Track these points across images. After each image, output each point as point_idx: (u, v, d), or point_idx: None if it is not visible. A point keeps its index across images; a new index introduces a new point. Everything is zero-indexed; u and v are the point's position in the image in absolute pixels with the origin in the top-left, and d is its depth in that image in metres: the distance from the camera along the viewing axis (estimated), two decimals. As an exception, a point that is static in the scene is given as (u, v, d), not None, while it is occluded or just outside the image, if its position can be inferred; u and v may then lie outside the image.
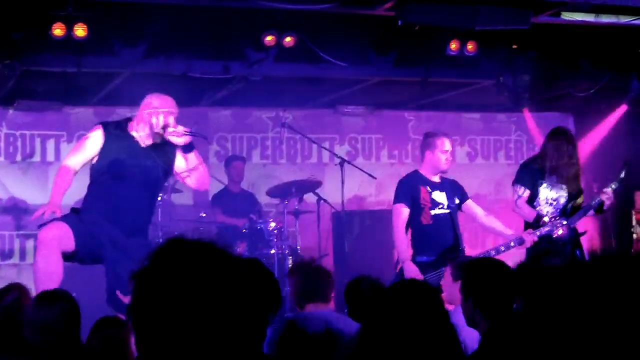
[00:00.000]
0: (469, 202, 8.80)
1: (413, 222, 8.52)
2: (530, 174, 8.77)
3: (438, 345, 3.22)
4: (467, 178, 13.12)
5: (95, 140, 7.59)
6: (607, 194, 8.57)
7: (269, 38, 9.45)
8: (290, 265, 10.46)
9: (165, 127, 7.47)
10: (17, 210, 11.25)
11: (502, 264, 4.87)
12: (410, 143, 13.09)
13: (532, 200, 8.74)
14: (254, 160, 12.42)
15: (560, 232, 8.44)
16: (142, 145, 7.58)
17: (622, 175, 8.66)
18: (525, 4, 8.78)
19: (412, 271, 8.17)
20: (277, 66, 10.18)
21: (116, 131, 7.64)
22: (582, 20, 9.22)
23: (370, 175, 11.10)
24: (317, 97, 12.03)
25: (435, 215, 8.51)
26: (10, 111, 11.46)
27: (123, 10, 8.66)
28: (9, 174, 11.53)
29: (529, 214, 8.68)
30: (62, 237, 7.14)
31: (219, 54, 10.03)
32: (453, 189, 8.77)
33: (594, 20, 9.25)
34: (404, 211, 8.46)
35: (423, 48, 10.18)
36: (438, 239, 8.48)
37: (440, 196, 8.58)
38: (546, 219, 8.51)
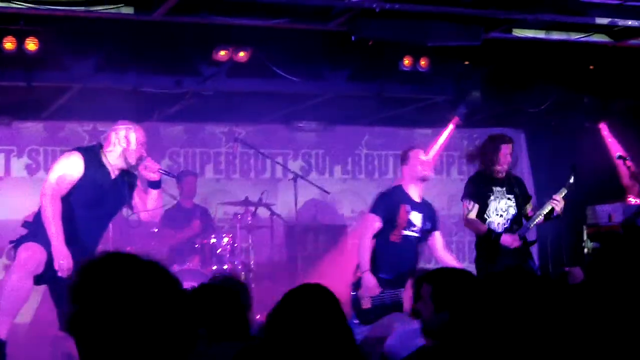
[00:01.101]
0: (436, 233, 8.73)
1: (381, 238, 8.46)
2: (477, 188, 8.81)
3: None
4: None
5: (76, 170, 7.53)
6: (557, 200, 8.62)
7: (222, 53, 9.44)
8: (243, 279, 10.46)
9: (139, 159, 7.57)
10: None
11: (466, 273, 4.85)
12: (364, 158, 13.12)
13: (482, 213, 8.78)
14: (206, 175, 12.38)
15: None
16: (113, 176, 7.64)
17: (571, 180, 8.72)
18: (477, 20, 8.84)
19: (371, 283, 8.18)
20: (230, 81, 10.18)
21: (94, 161, 7.61)
22: (533, 37, 9.29)
23: (323, 190, 11.10)
24: (271, 112, 12.01)
25: (405, 235, 8.47)
26: (-41, 125, 11.33)
27: (74, 24, 8.58)
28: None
29: (480, 227, 8.73)
30: (38, 261, 7.21)
31: (171, 69, 9.99)
32: (429, 213, 8.70)
33: (545, 36, 9.33)
34: (376, 224, 8.42)
35: (376, 64, 10.22)
36: (401, 259, 8.43)
37: (416, 218, 8.51)
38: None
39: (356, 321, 8.17)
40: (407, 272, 8.25)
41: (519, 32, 9.19)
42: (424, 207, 8.64)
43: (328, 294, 3.62)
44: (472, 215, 8.80)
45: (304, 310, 3.40)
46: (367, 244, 8.38)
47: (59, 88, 10.17)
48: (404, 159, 8.67)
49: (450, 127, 12.06)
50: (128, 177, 7.78)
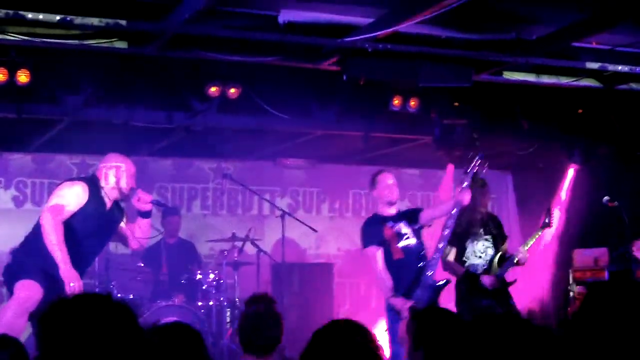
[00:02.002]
0: (422, 212, 8.77)
1: (387, 258, 8.47)
2: (455, 231, 8.82)
3: None
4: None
5: (80, 199, 7.68)
6: (520, 252, 8.71)
7: (213, 89, 9.46)
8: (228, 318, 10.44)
9: (131, 191, 7.82)
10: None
11: (454, 315, 4.87)
12: (352, 197, 13.13)
13: (461, 255, 8.81)
14: (194, 210, 12.37)
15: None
16: (108, 207, 7.83)
17: (547, 220, 8.80)
18: (468, 62, 8.89)
19: (399, 302, 8.16)
20: (221, 117, 10.17)
21: (95, 192, 7.79)
22: (523, 80, 9.36)
23: (310, 227, 11.09)
24: (259, 149, 12.02)
25: (404, 247, 8.51)
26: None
27: (66, 57, 8.60)
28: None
29: (457, 270, 8.78)
30: (36, 300, 7.32)
31: (162, 104, 9.99)
32: (409, 215, 8.80)
33: (535, 80, 9.40)
34: (378, 253, 8.44)
35: (365, 103, 10.25)
36: (408, 270, 8.42)
37: (402, 227, 8.60)
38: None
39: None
40: (412, 279, 8.32)
41: (509, 75, 9.26)
42: (402, 215, 8.75)
43: (361, 328, 3.57)
44: (451, 257, 8.84)
45: (340, 346, 3.31)
46: (384, 275, 8.36)
47: (49, 120, 10.14)
48: (372, 184, 8.80)
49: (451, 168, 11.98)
50: (118, 209, 7.99)
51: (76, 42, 7.95)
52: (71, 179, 8.13)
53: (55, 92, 9.45)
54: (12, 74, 8.69)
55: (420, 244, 8.58)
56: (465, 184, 8.42)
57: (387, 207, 8.68)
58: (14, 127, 10.13)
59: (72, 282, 7.21)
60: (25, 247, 7.75)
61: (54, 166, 11.66)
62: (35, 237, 7.63)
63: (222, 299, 10.50)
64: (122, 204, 8.09)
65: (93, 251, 7.98)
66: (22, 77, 8.73)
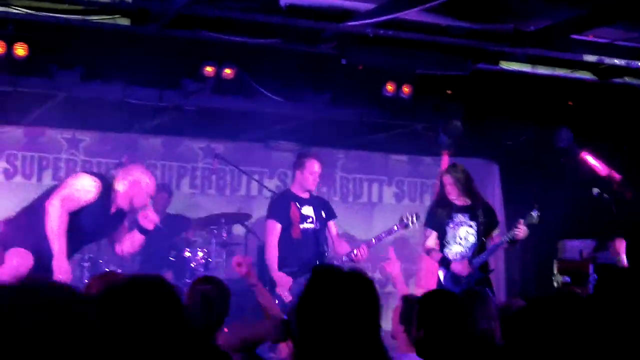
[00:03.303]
0: (331, 222, 9.50)
1: (283, 236, 9.15)
2: (435, 216, 9.02)
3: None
4: (394, 218, 13.29)
5: (91, 194, 7.79)
6: (520, 228, 8.72)
7: (208, 69, 9.46)
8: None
9: (142, 207, 7.96)
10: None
11: (454, 296, 4.99)
12: (339, 181, 13.18)
13: (441, 240, 8.98)
14: (182, 189, 12.37)
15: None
16: (111, 212, 7.96)
17: (533, 213, 8.85)
18: (465, 51, 8.95)
19: (283, 278, 8.90)
20: (214, 98, 10.19)
21: (106, 192, 7.88)
22: (519, 70, 9.43)
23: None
24: (249, 131, 12.03)
25: (305, 229, 9.23)
26: (-60, 127, 11.26)
27: (62, 32, 8.59)
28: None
29: (435, 256, 8.91)
30: (26, 268, 7.40)
31: (155, 82, 9.99)
32: (320, 205, 9.52)
33: (531, 70, 9.47)
34: (277, 227, 9.11)
35: (358, 88, 10.29)
36: (302, 252, 9.09)
37: (308, 210, 9.34)
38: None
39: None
40: (309, 263, 8.88)
41: (505, 65, 9.33)
42: (314, 200, 9.46)
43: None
44: (431, 242, 8.97)
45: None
46: (273, 249, 9.06)
47: (43, 95, 10.13)
48: (299, 165, 9.37)
49: (445, 158, 12.08)
50: (119, 217, 8.09)
51: (79, 17, 7.96)
52: (89, 173, 8.22)
53: (51, 67, 9.43)
54: (9, 47, 8.67)
55: (321, 231, 9.29)
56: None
57: (301, 190, 9.37)
58: (6, 100, 10.11)
59: (61, 275, 7.29)
60: (21, 221, 7.79)
61: (45, 140, 11.64)
62: (34, 215, 7.67)
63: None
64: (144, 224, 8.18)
65: (80, 247, 8.21)
66: (20, 50, 8.70)
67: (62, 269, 7.31)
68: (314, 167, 9.30)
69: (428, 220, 9.13)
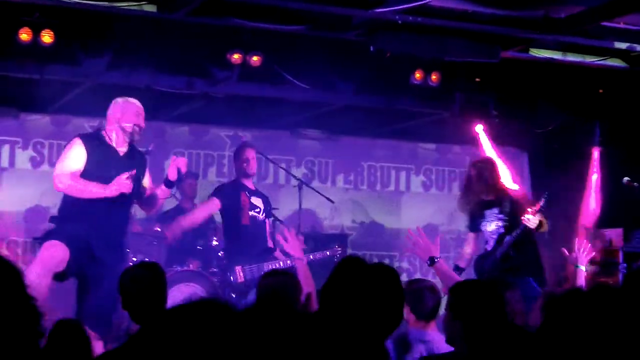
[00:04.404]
0: (267, 220, 9.86)
1: (232, 221, 9.58)
2: (470, 214, 9.11)
3: None
4: (421, 207, 13.25)
5: (79, 153, 7.74)
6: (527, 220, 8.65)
7: (235, 56, 9.41)
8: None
9: (137, 129, 7.90)
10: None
11: (492, 286, 4.92)
12: (367, 169, 13.12)
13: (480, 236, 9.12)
14: (209, 177, 12.34)
15: None
16: (121, 154, 7.88)
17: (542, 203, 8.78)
18: (495, 38, 8.87)
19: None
20: (241, 85, 10.16)
21: (95, 142, 7.88)
22: (549, 58, 9.33)
23: (327, 198, 11.08)
24: (276, 119, 12.00)
25: (253, 217, 9.59)
26: (-34, 115, 11.28)
27: (89, 19, 8.58)
28: (-38, 177, 11.34)
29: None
30: (60, 260, 7.36)
31: (182, 69, 9.98)
32: (266, 202, 9.97)
33: (561, 57, 9.37)
34: (215, 203, 9.46)
35: (386, 76, 10.22)
36: (250, 239, 9.48)
37: (257, 201, 9.76)
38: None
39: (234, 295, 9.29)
40: (259, 251, 9.41)
41: (535, 52, 9.23)
42: (261, 194, 9.96)
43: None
44: (470, 241, 9.31)
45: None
46: (194, 219, 9.52)
47: (69, 82, 10.13)
48: (235, 155, 9.93)
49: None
50: (138, 156, 8.06)
51: (106, 3, 7.93)
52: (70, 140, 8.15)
53: (77, 54, 9.41)
54: (36, 34, 8.65)
55: (265, 223, 9.74)
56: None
57: (246, 179, 9.79)
58: (33, 88, 10.12)
59: (116, 186, 7.51)
60: (60, 214, 7.81)
61: (71, 128, 11.59)
62: (65, 203, 7.69)
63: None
64: (146, 155, 8.23)
65: (121, 204, 7.85)
66: (46, 37, 8.68)
67: (117, 184, 7.49)
68: (245, 153, 9.79)
69: (468, 220, 9.23)
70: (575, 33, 8.73)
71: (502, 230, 8.84)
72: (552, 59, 9.40)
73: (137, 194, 8.02)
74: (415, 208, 13.18)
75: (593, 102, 11.01)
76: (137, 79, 9.84)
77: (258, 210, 9.71)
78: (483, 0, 8.12)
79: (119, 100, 8.07)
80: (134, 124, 7.89)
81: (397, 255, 13.02)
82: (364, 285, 3.25)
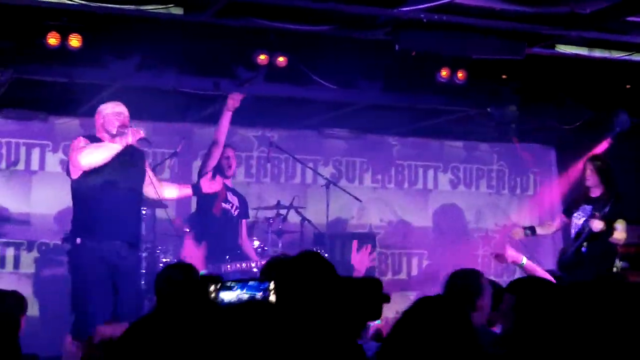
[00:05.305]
0: (243, 221, 10.25)
1: (204, 210, 9.88)
2: (571, 200, 9.72)
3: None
4: (449, 205, 13.24)
5: (82, 144, 7.98)
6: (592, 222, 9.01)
7: (261, 57, 9.45)
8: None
9: (121, 128, 7.96)
10: (-2, 218, 11.15)
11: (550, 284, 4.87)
12: (394, 168, 13.13)
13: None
14: (237, 178, 12.35)
15: None
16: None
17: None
18: (520, 34, 8.85)
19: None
20: (267, 86, 10.19)
21: (95, 141, 8.02)
22: (575, 54, 9.30)
23: (355, 197, 11.11)
24: (302, 119, 12.03)
25: (225, 209, 9.91)
26: (-4, 119, 11.39)
27: (115, 22, 8.64)
28: (-8, 181, 11.44)
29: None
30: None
31: (209, 71, 10.02)
32: (242, 202, 10.26)
33: (587, 53, 9.35)
34: (185, 190, 9.07)
35: (411, 74, 10.23)
36: (220, 230, 9.71)
37: (232, 198, 10.08)
38: None
39: None
40: (228, 247, 9.63)
41: (561, 48, 9.21)
42: (237, 194, 10.29)
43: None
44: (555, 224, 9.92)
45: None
46: (162, 191, 8.87)
47: (97, 85, 10.20)
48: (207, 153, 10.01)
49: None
50: (135, 153, 8.15)
51: (133, 7, 7.99)
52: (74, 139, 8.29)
53: (104, 57, 9.48)
54: (64, 39, 8.72)
55: (239, 222, 10.11)
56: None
57: (224, 178, 9.83)
58: (61, 91, 10.20)
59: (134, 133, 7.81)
60: (74, 231, 7.93)
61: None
62: (76, 213, 7.92)
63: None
64: (145, 149, 8.52)
65: (125, 201, 7.97)
66: (74, 41, 8.75)
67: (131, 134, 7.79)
68: (229, 152, 10.14)
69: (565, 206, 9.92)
70: (601, 29, 8.70)
71: (586, 227, 9.13)
72: (578, 54, 9.37)
73: (138, 182, 8.19)
74: (443, 206, 13.19)
75: (620, 98, 10.97)
76: (163, 81, 9.91)
77: (231, 205, 10.03)
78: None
79: (100, 107, 8.26)
80: (118, 126, 7.98)
81: (425, 253, 13.02)
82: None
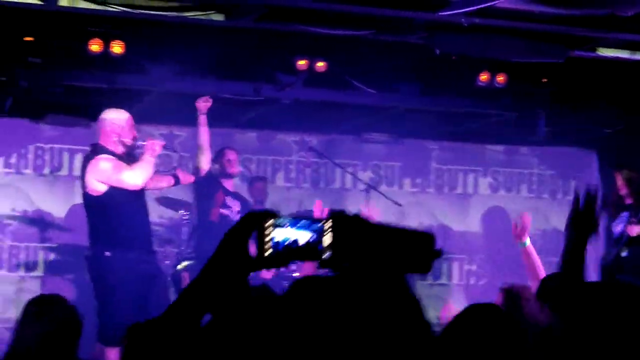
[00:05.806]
0: None
1: (202, 215, 9.87)
2: (608, 210, 9.73)
3: None
4: (489, 210, 13.20)
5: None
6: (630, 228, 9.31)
7: (301, 62, 9.49)
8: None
9: (134, 140, 8.43)
10: (42, 223, 11.25)
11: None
12: (433, 172, 13.11)
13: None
14: (277, 183, 12.43)
15: None
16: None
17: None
18: (560, 38, 8.82)
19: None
20: (307, 90, 10.24)
21: (105, 153, 8.39)
22: (616, 57, 9.25)
23: (395, 202, 11.11)
24: (341, 123, 12.05)
25: (222, 215, 9.80)
26: (41, 125, 11.51)
27: (156, 28, 8.70)
28: (35, 186, 11.57)
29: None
30: None
31: (249, 76, 10.07)
32: (244, 203, 10.18)
33: (629, 56, 9.29)
34: (169, 179, 9.22)
35: (449, 78, 10.22)
36: (217, 238, 9.35)
37: (232, 202, 9.98)
38: None
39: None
40: None
41: (603, 51, 9.16)
42: (239, 197, 10.20)
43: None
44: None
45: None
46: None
47: (138, 91, 10.28)
48: (217, 157, 9.99)
49: None
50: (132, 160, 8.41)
51: (174, 14, 8.05)
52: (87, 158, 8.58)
53: (145, 64, 9.57)
54: (106, 45, 8.82)
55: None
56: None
57: (225, 179, 10.02)
58: (103, 97, 10.28)
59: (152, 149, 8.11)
60: (101, 244, 8.14)
61: (142, 137, 11.72)
62: (101, 225, 8.14)
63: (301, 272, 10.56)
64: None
65: (145, 209, 8.36)
66: (117, 48, 8.85)
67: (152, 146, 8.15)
68: (231, 155, 10.15)
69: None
70: (641, 31, 8.66)
71: (625, 233, 9.35)
72: (619, 57, 9.32)
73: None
74: (484, 210, 13.16)
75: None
76: (204, 86, 9.97)
77: (231, 209, 9.93)
78: (548, 0, 8.06)
79: (111, 113, 8.54)
80: (132, 137, 8.43)
81: (465, 257, 13.00)
82: None
